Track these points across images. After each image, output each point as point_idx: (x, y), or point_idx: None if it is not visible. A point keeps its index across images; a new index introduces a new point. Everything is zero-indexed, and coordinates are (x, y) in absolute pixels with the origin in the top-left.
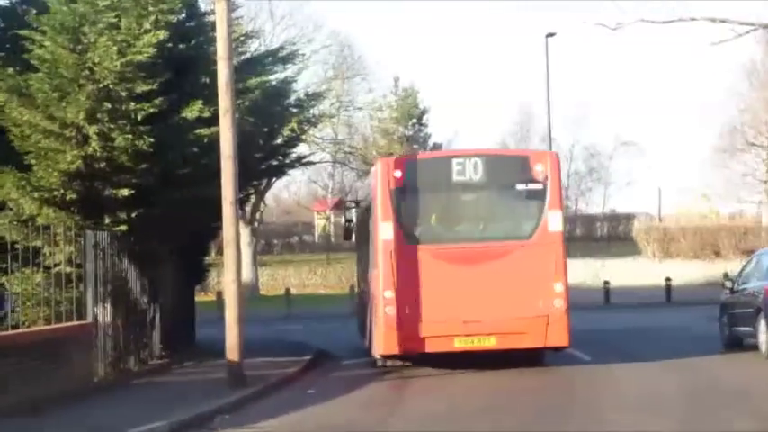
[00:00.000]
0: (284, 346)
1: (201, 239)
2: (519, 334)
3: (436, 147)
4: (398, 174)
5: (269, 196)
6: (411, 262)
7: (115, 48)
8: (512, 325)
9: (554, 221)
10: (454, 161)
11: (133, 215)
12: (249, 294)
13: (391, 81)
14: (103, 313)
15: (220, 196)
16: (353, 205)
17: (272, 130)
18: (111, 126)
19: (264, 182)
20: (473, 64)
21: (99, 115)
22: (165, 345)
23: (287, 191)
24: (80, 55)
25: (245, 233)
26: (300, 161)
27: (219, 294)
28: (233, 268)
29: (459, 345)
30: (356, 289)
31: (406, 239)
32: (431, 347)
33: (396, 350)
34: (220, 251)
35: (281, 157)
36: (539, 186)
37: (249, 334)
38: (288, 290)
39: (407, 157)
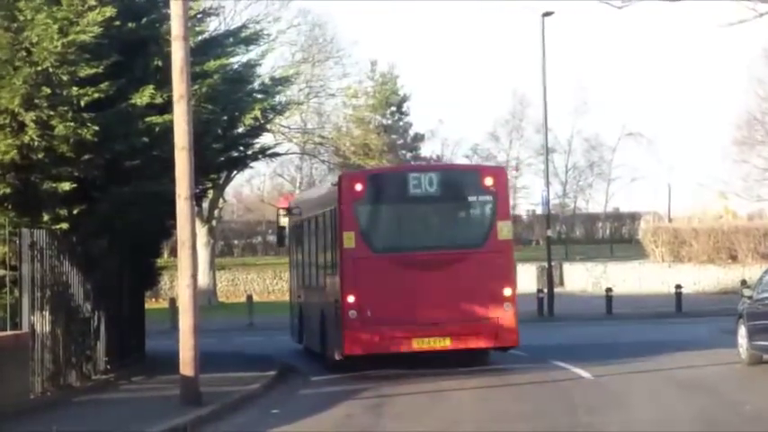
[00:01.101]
0: (246, 359)
1: (153, 240)
2: (472, 335)
3: (418, 137)
4: (359, 187)
5: (229, 191)
6: (372, 269)
7: (55, 26)
8: (465, 327)
9: (503, 231)
10: (411, 175)
11: (75, 212)
12: (206, 302)
13: (367, 65)
14: (41, 322)
15: (174, 191)
16: (286, 212)
17: (232, 118)
18: (51, 113)
19: (224, 175)
20: (460, 47)
21: (37, 101)
22: (112, 357)
23: (249, 185)
24: (15, 34)
25: (201, 233)
26: (264, 152)
27: (173, 301)
28: (188, 272)
29: (417, 345)
30: (293, 296)
31: (367, 248)
32: (391, 348)
33: (358, 350)
34: (174, 253)
35: (242, 148)
36: (489, 198)
37: (206, 346)
38: (250, 297)
39: (368, 171)
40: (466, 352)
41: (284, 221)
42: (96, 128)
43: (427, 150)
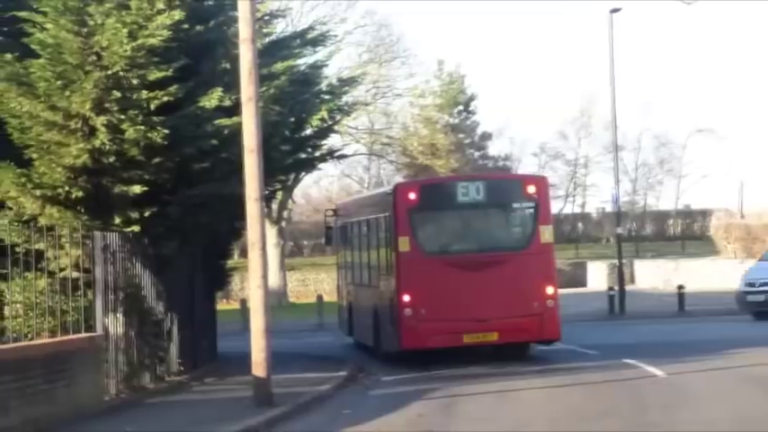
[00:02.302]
0: (316, 360)
1: (223, 241)
2: (517, 330)
3: (485, 136)
4: (413, 196)
5: (297, 193)
6: (424, 270)
7: (125, 30)
8: (512, 322)
9: (545, 234)
10: (460, 184)
11: (146, 214)
12: (277, 302)
13: (434, 64)
14: (115, 324)
15: (243, 193)
16: (332, 213)
17: (300, 119)
18: (121, 116)
19: (292, 177)
20: (527, 44)
21: (107, 105)
22: (184, 359)
23: (317, 187)
24: (86, 39)
25: (271, 234)
26: (332, 154)
27: (243, 302)
28: (258, 273)
29: (468, 340)
30: (342, 292)
31: (420, 251)
32: (443, 342)
33: (414, 345)
34: (244, 254)
35: (310, 150)
36: (531, 205)
37: (277, 346)
38: (320, 297)
39: (421, 181)
40: (510, 346)
41: (331, 221)
42: (166, 131)
43: (495, 149)
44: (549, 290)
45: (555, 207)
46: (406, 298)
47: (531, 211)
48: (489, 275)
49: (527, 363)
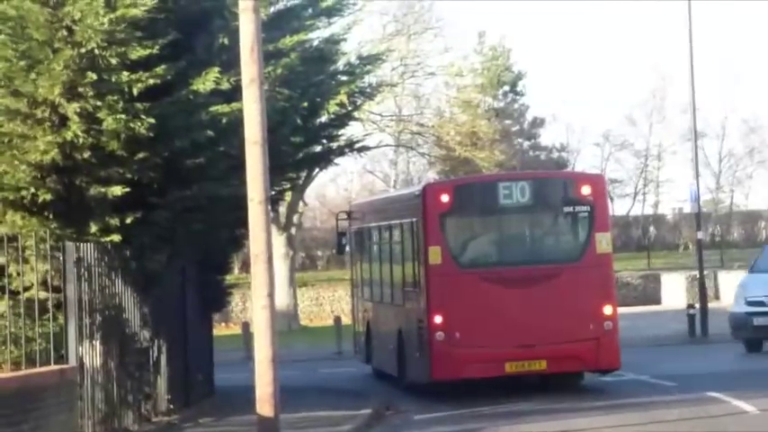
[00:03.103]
0: (334, 394)
1: (221, 253)
2: (570, 357)
3: (537, 123)
4: (446, 198)
5: (310, 193)
6: (460, 286)
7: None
8: (563, 348)
9: (602, 243)
10: (501, 185)
11: (128, 221)
12: (286, 326)
13: (474, 37)
14: (91, 354)
15: (245, 195)
16: (345, 216)
17: (313, 105)
18: (98, 103)
19: (304, 174)
20: (585, 14)
21: (81, 89)
22: (175, 395)
23: (334, 185)
24: (54, 10)
25: (278, 243)
26: (352, 146)
27: (246, 326)
28: (263, 290)
29: (511, 369)
30: (358, 312)
31: (455, 264)
32: (482, 372)
33: (447, 375)
34: (246, 268)
35: (325, 141)
36: (586, 208)
37: (287, 379)
38: (338, 319)
39: (454, 181)
40: (559, 376)
41: (344, 227)
42: (151, 120)
43: (548, 138)
44: (608, 309)
45: (622, 208)
46: (438, 319)
47: (586, 215)
48: (536, 293)
49: (586, 397)
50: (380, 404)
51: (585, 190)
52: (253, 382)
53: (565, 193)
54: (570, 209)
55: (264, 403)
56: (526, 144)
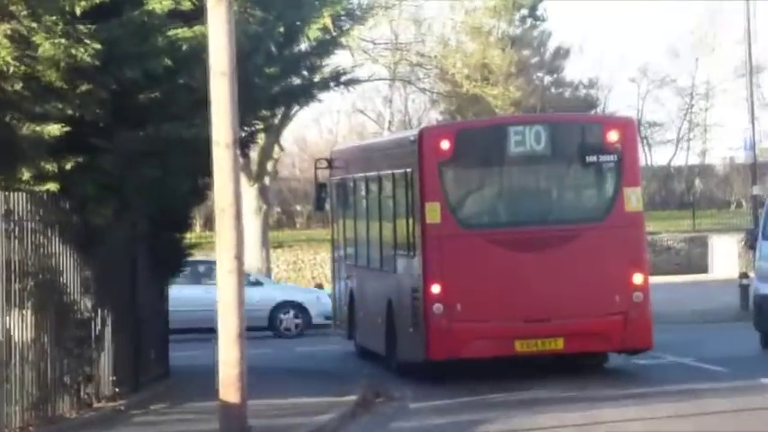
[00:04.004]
0: (314, 377)
1: (180, 206)
2: (591, 335)
3: (561, 54)
4: (446, 145)
5: (287, 136)
6: (462, 250)
7: None
8: (583, 324)
9: (632, 200)
10: (511, 129)
11: (68, 167)
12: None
13: None
14: (21, 326)
15: (209, 137)
16: (325, 165)
17: (292, 29)
18: (33, 25)
19: (280, 113)
20: None
21: (12, 8)
22: (121, 376)
23: (317, 127)
24: None
25: (249, 195)
26: (338, 79)
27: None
28: (230, 252)
29: (521, 348)
30: (339, 279)
31: (456, 223)
32: (487, 351)
33: (445, 354)
34: (210, 225)
35: (306, 73)
36: (613, 158)
37: (257, 358)
38: (319, 286)
39: (456, 125)
40: (578, 355)
41: (324, 177)
42: (97, 46)
43: (574, 72)
44: (637, 278)
45: (662, 156)
46: (436, 289)
47: (613, 166)
48: (552, 258)
49: (612, 383)
50: (368, 389)
51: (612, 136)
52: (215, 361)
53: (588, 140)
54: (594, 158)
55: (229, 387)
56: (548, 79)
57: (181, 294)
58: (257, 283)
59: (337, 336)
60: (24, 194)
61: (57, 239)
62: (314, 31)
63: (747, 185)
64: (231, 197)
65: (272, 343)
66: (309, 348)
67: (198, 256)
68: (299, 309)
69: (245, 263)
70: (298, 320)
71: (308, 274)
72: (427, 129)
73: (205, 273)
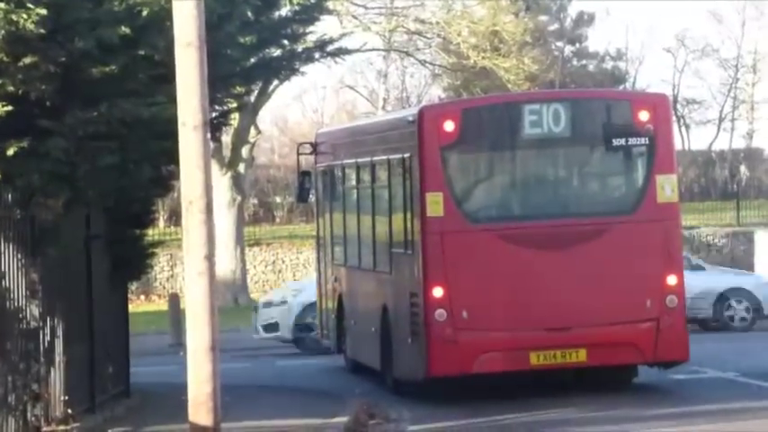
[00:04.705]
0: (298, 396)
1: (140, 199)
2: (619, 345)
3: (583, 20)
4: (450, 126)
5: (265, 117)
6: (469, 248)
7: None
8: (609, 333)
9: (665, 190)
10: (526, 108)
11: (10, 152)
12: (231, 300)
13: None
14: None
15: (175, 117)
16: (309, 149)
17: None
18: None
19: (257, 89)
20: None
21: None
22: (74, 396)
23: (299, 106)
24: None
25: (221, 185)
26: (324, 49)
27: (175, 300)
28: (200, 251)
29: (537, 361)
30: (326, 282)
31: (462, 217)
32: (498, 365)
33: (449, 369)
34: (176, 220)
35: (287, 42)
36: (644, 141)
37: (232, 375)
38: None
39: (462, 102)
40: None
41: (307, 164)
42: (43, 12)
43: (599, 41)
44: (672, 279)
45: (702, 139)
46: (438, 293)
47: (643, 151)
48: (574, 257)
49: (645, 401)
50: (360, 410)
51: (643, 115)
52: (184, 378)
53: (615, 120)
54: (622, 141)
55: (200, 407)
56: (569, 50)
57: None
58: (698, 268)
59: (324, 347)
60: None
61: None
62: None
63: None
64: (200, 187)
65: (251, 355)
66: (293, 362)
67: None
68: (749, 297)
69: (218, 264)
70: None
71: (288, 275)
72: (428, 107)
73: None
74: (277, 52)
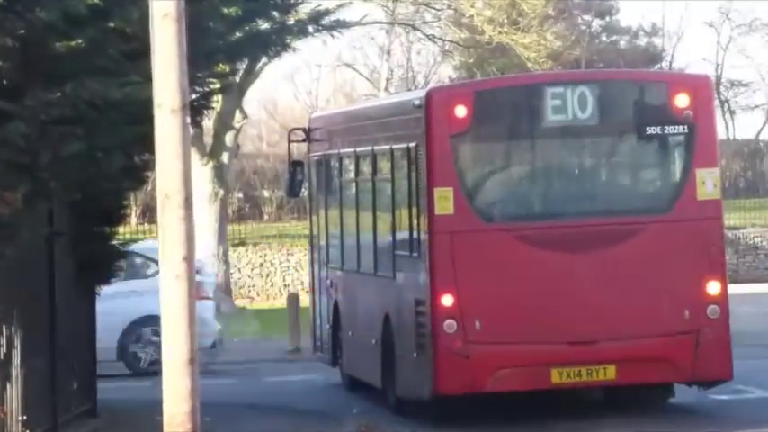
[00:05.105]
0: (289, 415)
1: (110, 192)
2: (653, 361)
3: None
4: (463, 112)
5: (252, 99)
6: (482, 250)
7: None
8: (642, 347)
9: (706, 185)
10: (549, 91)
11: None
12: (214, 306)
13: None
14: None
15: (150, 99)
16: (302, 137)
17: None
18: None
19: (243, 68)
20: None
21: None
22: (34, 414)
23: (291, 87)
24: None
25: (202, 177)
26: (319, 21)
27: None
28: (177, 252)
29: (560, 379)
30: (319, 287)
31: (475, 215)
32: (515, 383)
33: (460, 387)
34: (151, 216)
35: (276, 14)
36: (682, 130)
37: (215, 391)
38: (294, 297)
39: (475, 84)
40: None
41: (300, 153)
42: None
43: (631, 15)
44: (713, 287)
45: (749, 127)
46: (448, 301)
47: (681, 141)
48: (602, 261)
49: (682, 424)
50: (361, 427)
51: (681, 101)
52: (159, 395)
53: (649, 105)
54: (657, 130)
55: (176, 428)
56: (597, 24)
57: None
58: None
59: (318, 362)
60: None
61: None
62: None
63: None
64: (178, 179)
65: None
66: (283, 378)
67: None
68: None
69: (197, 266)
70: None
71: (278, 280)
72: (437, 90)
73: None
74: (265, 25)
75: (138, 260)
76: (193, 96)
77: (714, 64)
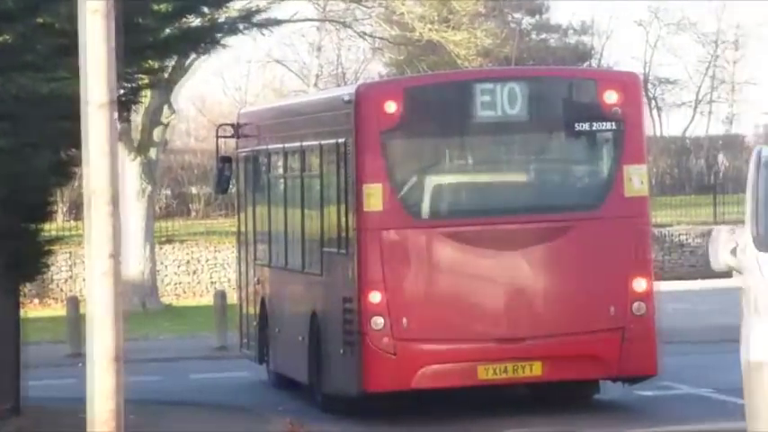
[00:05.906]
0: (215, 412)
1: (36, 188)
2: (579, 358)
3: None
4: (392, 108)
5: (181, 94)
6: (411, 247)
7: None
8: (568, 344)
9: (634, 182)
10: (478, 87)
11: None
12: (139, 304)
13: None
14: None
15: (77, 94)
16: (230, 132)
17: None
18: None
19: (172, 64)
20: None
21: None
22: None
23: (220, 83)
24: None
25: (130, 173)
26: (250, 18)
27: (74, 304)
28: (103, 249)
29: (486, 376)
30: (247, 285)
31: (405, 212)
32: (443, 380)
33: (388, 385)
34: (77, 213)
35: (206, 10)
36: (610, 126)
37: (140, 389)
38: (221, 295)
39: (405, 81)
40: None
41: (227, 150)
42: None
43: (561, 14)
44: (639, 284)
45: (676, 124)
46: (375, 298)
47: (610, 137)
48: (529, 258)
49: (608, 421)
50: (284, 430)
51: (610, 97)
52: (83, 392)
53: (578, 102)
54: (586, 126)
55: (101, 427)
56: (528, 22)
57: None
58: None
59: (245, 359)
60: None
61: None
62: None
63: None
64: (105, 176)
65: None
66: (209, 375)
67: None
68: None
69: (125, 264)
70: None
71: (205, 277)
72: (367, 86)
73: None
74: (196, 22)
75: None
76: (121, 92)
77: (643, 62)
